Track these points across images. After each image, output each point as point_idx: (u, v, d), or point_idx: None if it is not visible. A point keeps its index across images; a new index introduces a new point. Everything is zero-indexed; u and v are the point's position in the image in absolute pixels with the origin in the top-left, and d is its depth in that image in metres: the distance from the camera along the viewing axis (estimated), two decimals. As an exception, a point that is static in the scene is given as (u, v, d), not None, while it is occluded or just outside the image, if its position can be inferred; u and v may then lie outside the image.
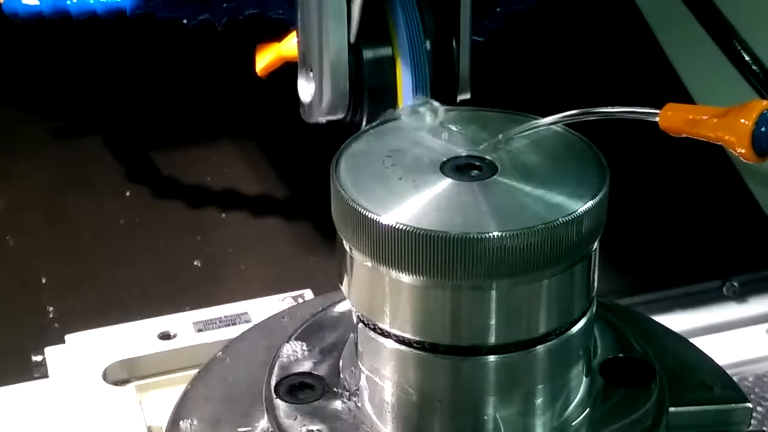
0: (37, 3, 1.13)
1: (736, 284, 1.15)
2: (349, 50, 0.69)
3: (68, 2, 1.13)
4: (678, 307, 1.15)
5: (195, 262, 1.17)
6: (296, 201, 1.26)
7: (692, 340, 0.74)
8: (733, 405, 0.67)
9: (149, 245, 1.20)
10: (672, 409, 0.65)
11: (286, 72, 0.99)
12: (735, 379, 0.70)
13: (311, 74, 0.71)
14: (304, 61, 0.71)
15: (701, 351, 0.72)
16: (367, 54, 0.70)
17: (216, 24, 1.14)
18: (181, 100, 1.37)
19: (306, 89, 0.72)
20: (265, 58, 1.01)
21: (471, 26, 0.72)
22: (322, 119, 0.72)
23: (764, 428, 1.03)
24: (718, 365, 0.70)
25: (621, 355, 0.66)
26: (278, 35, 1.00)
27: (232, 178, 1.29)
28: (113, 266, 1.17)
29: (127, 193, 1.27)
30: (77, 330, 0.90)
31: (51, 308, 1.11)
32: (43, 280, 1.16)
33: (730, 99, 0.58)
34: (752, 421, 1.01)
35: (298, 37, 0.72)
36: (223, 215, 1.24)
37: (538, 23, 1.31)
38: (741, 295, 1.15)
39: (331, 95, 0.71)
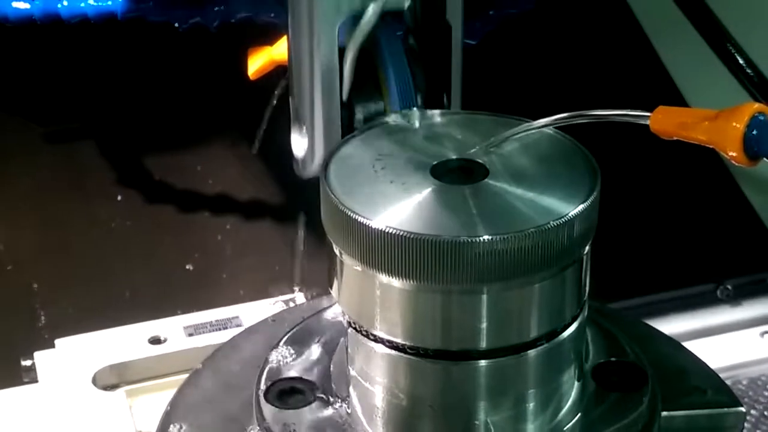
0: (28, 6, 1.13)
1: (730, 287, 1.15)
2: (342, 107, 0.70)
3: (59, 5, 1.13)
4: (672, 310, 1.15)
5: (186, 266, 1.17)
6: (287, 205, 1.26)
7: (686, 344, 0.73)
8: (726, 409, 0.66)
9: (141, 249, 1.20)
10: (664, 413, 0.65)
11: (278, 76, 0.99)
12: (728, 382, 0.70)
13: (304, 129, 0.71)
14: (297, 116, 0.72)
15: (694, 355, 0.72)
16: (359, 110, 0.70)
17: (208, 27, 1.14)
18: (172, 104, 1.36)
19: (299, 144, 0.72)
20: (257, 62, 1.01)
21: (461, 84, 0.73)
22: (315, 174, 0.72)
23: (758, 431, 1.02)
24: (711, 369, 0.70)
25: (613, 359, 0.66)
26: (270, 39, 1.00)
27: (224, 182, 1.28)
28: (104, 270, 1.17)
29: (119, 198, 1.27)
30: (67, 334, 0.89)
31: (41, 312, 1.11)
32: (34, 285, 1.15)
33: (723, 102, 0.58)
34: (746, 425, 1.01)
35: (290, 93, 0.72)
36: (215, 219, 1.24)
37: (530, 26, 1.31)
38: (735, 299, 1.15)
39: (324, 152, 0.71)
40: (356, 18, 0.68)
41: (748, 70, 1.02)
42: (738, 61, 1.02)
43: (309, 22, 0.68)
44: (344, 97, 0.69)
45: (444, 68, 0.72)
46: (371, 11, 0.67)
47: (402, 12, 0.70)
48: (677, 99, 1.32)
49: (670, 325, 1.11)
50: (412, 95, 0.70)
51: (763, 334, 1.11)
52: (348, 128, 0.70)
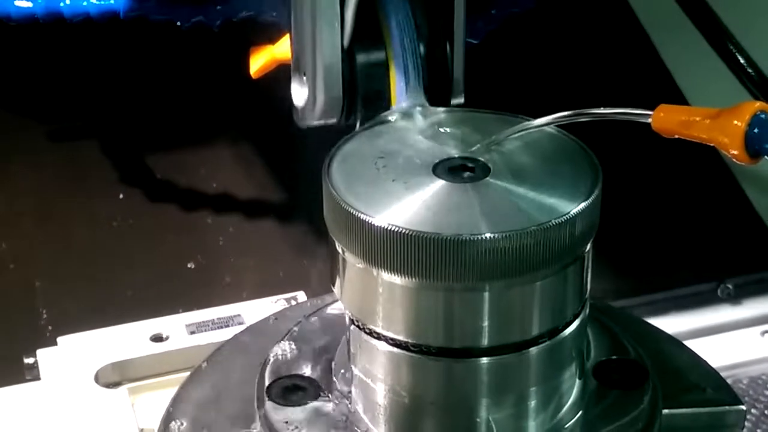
0: (30, 5, 1.13)
1: (730, 287, 1.15)
2: (343, 54, 0.69)
3: (61, 4, 1.13)
4: (673, 309, 1.15)
5: (188, 265, 1.17)
6: (289, 204, 1.26)
7: (687, 343, 0.73)
8: (727, 407, 0.66)
9: (142, 248, 1.20)
10: (665, 411, 0.65)
11: (281, 74, 0.99)
12: (729, 381, 0.70)
13: (304, 78, 0.71)
14: (298, 65, 0.71)
15: (695, 353, 0.72)
16: (361, 58, 0.70)
17: (210, 26, 1.14)
18: (174, 102, 1.36)
19: (299, 93, 0.72)
20: (259, 61, 1.01)
21: (465, 30, 0.72)
22: (316, 123, 0.72)
23: (758, 431, 1.02)
24: (711, 367, 0.70)
25: (614, 357, 0.66)
26: (272, 37, 1.00)
27: (226, 180, 1.28)
28: (106, 268, 1.17)
29: (121, 196, 1.27)
30: (69, 332, 0.89)
31: (44, 310, 1.11)
32: (36, 282, 1.15)
33: (724, 101, 0.58)
34: (746, 424, 1.01)
35: (291, 40, 0.72)
36: (217, 218, 1.24)
37: (532, 25, 1.31)
38: (736, 298, 1.15)
39: (324, 100, 0.71)
40: None
41: (749, 69, 1.02)
42: (739, 60, 1.02)
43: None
44: (345, 43, 0.69)
45: (447, 15, 0.71)
46: None
47: None
48: (678, 98, 1.32)
49: (670, 324, 1.11)
50: (415, 42, 0.69)
51: (763, 333, 1.11)
52: (349, 76, 0.70)
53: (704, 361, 0.71)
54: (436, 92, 0.71)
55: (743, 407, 0.67)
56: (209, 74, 1.36)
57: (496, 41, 1.14)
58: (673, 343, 0.73)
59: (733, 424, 0.67)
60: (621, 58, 1.41)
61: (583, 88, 1.35)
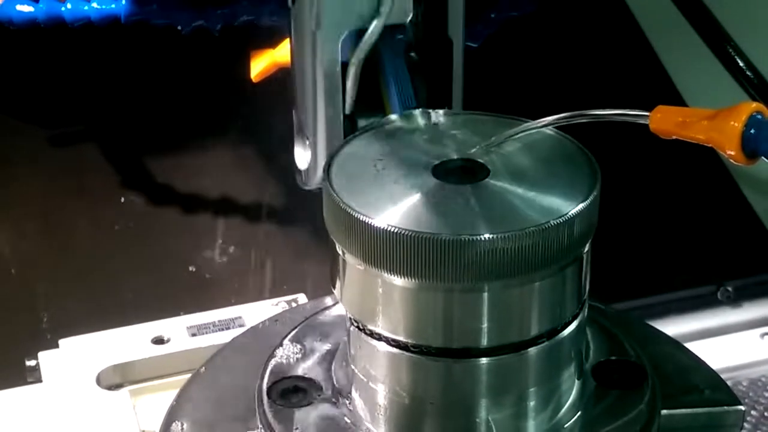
0: (32, 9, 1.14)
1: (730, 289, 1.16)
2: (345, 121, 0.70)
3: (63, 9, 1.13)
4: (673, 311, 1.15)
5: (190, 268, 1.17)
6: (290, 207, 1.26)
7: (687, 345, 0.74)
8: (725, 408, 0.67)
9: (144, 251, 1.21)
10: (664, 411, 0.65)
11: (280, 78, 0.99)
12: (729, 383, 0.70)
13: (307, 143, 0.72)
14: (300, 129, 0.72)
15: (694, 354, 0.72)
16: (362, 123, 0.71)
17: (210, 30, 1.14)
18: (175, 106, 1.37)
19: (302, 156, 0.73)
20: (260, 65, 1.02)
21: (462, 97, 0.73)
22: (319, 186, 0.73)
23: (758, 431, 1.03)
24: (711, 368, 0.70)
25: (613, 357, 0.66)
26: (272, 41, 1.01)
27: (227, 184, 1.29)
28: (108, 272, 1.17)
29: (122, 200, 1.27)
30: (71, 335, 0.90)
31: (45, 313, 1.11)
32: (38, 285, 1.16)
33: (722, 103, 0.58)
34: (746, 425, 1.02)
35: (294, 107, 0.73)
36: (218, 221, 1.25)
37: (531, 28, 1.32)
38: (735, 300, 1.15)
39: None
40: (359, 32, 0.68)
41: (748, 72, 1.02)
42: (737, 62, 1.03)
43: (312, 37, 0.69)
44: (347, 110, 0.70)
45: (445, 82, 0.72)
46: (374, 26, 0.68)
47: (404, 25, 0.70)
48: (677, 100, 1.32)
49: (671, 327, 1.11)
50: (414, 106, 0.70)
51: (763, 335, 1.11)
52: None
53: (703, 362, 0.71)
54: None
55: (742, 408, 0.67)
56: (210, 78, 1.37)
57: (496, 44, 1.14)
58: (672, 344, 0.73)
59: (732, 424, 0.67)
60: (620, 61, 1.41)
61: (583, 91, 1.35)
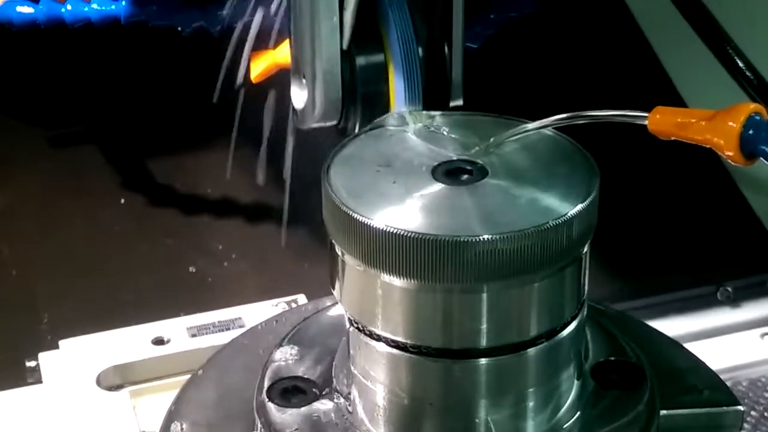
0: (32, 11, 1.14)
1: (730, 289, 1.16)
2: (342, 57, 0.70)
3: (63, 10, 1.13)
4: (672, 312, 1.15)
5: (190, 269, 1.18)
6: (290, 207, 1.26)
7: (687, 345, 0.74)
8: (725, 408, 0.67)
9: (144, 252, 1.21)
10: (663, 412, 0.65)
11: (281, 79, 0.99)
12: (729, 383, 0.70)
13: (304, 81, 0.71)
14: (297, 67, 0.72)
15: (693, 355, 0.72)
16: (360, 61, 0.70)
17: (211, 31, 1.14)
18: (175, 107, 1.37)
19: (299, 96, 0.72)
20: (260, 65, 1.02)
21: (463, 32, 0.72)
22: (315, 125, 0.72)
23: (758, 432, 1.03)
24: (710, 369, 0.70)
25: (612, 358, 0.66)
26: (273, 42, 1.01)
27: (227, 185, 1.29)
28: (108, 273, 1.18)
29: (122, 201, 1.27)
30: (71, 336, 0.90)
31: (45, 314, 1.11)
32: (38, 286, 1.16)
33: (722, 104, 0.58)
34: (746, 426, 1.02)
35: (290, 44, 0.72)
36: (218, 222, 1.25)
37: (530, 29, 1.32)
38: (735, 301, 1.15)
39: (323, 102, 0.71)
40: None
41: (747, 73, 1.02)
42: (737, 63, 1.03)
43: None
44: (344, 45, 0.69)
45: (445, 17, 0.71)
46: None
47: None
48: (677, 102, 1.32)
49: (670, 327, 1.11)
50: (413, 45, 0.69)
51: (763, 335, 1.11)
52: (348, 79, 0.70)
53: (702, 362, 0.71)
54: (434, 94, 0.72)
55: (741, 408, 0.67)
56: (210, 79, 1.37)
57: (496, 45, 1.14)
58: (672, 344, 0.73)
59: (731, 424, 0.67)
60: (620, 62, 1.41)
61: (583, 92, 1.35)
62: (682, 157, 1.16)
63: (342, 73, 0.70)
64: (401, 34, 0.69)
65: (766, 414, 1.05)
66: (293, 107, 0.73)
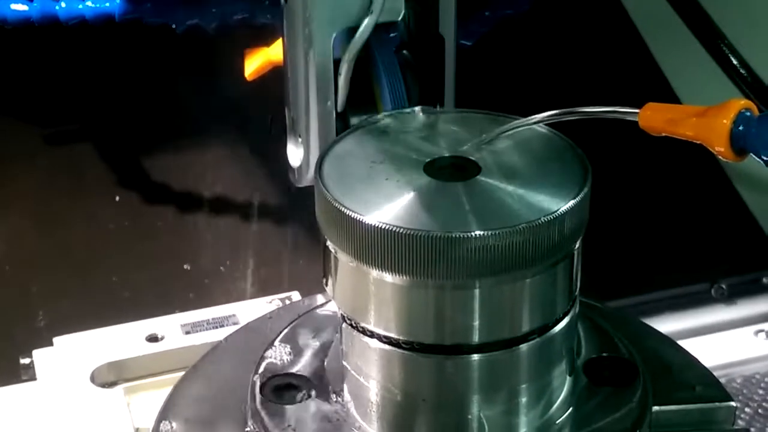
0: (26, 8, 1.14)
1: (724, 287, 1.16)
2: (337, 119, 0.70)
3: (57, 7, 1.13)
4: (667, 309, 1.15)
5: (184, 266, 1.18)
6: (284, 205, 1.27)
7: (681, 342, 0.74)
8: (717, 404, 0.67)
9: (139, 249, 1.21)
10: (656, 408, 0.65)
11: (275, 76, 0.99)
12: (723, 380, 0.70)
13: (300, 140, 0.72)
14: (293, 127, 0.72)
15: (686, 351, 0.72)
16: (354, 121, 0.71)
17: (205, 28, 1.14)
18: (170, 105, 1.37)
19: (295, 154, 0.73)
20: (254, 63, 1.02)
21: (454, 94, 0.73)
22: (311, 184, 0.73)
23: (752, 429, 1.03)
24: (702, 365, 0.71)
25: (605, 354, 0.66)
26: (267, 40, 1.01)
27: (221, 182, 1.29)
28: (103, 270, 1.18)
29: (117, 198, 1.27)
30: (65, 333, 0.90)
31: (40, 311, 1.11)
32: (32, 283, 1.16)
33: (716, 101, 0.58)
34: (740, 422, 1.02)
35: (286, 105, 0.73)
36: (212, 219, 1.25)
37: (525, 26, 1.32)
38: (729, 298, 1.16)
39: None
40: (351, 30, 0.69)
41: (741, 70, 1.02)
42: (731, 60, 1.03)
43: (304, 35, 0.69)
44: (339, 108, 0.70)
45: (437, 80, 0.73)
46: (366, 24, 0.68)
47: (396, 23, 0.71)
48: (672, 99, 1.32)
49: (665, 324, 1.11)
50: (406, 105, 0.70)
51: (757, 332, 1.12)
52: None
53: (695, 358, 0.71)
54: (427, 91, 0.72)
55: (733, 404, 0.67)
56: (204, 76, 1.37)
57: (491, 43, 1.14)
58: (665, 341, 0.74)
59: (724, 420, 0.67)
60: (615, 59, 1.41)
61: (577, 90, 1.35)
62: (676, 155, 1.17)
63: (337, 133, 0.70)
64: (394, 94, 0.70)
65: (760, 410, 1.05)
66: (289, 164, 0.74)
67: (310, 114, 0.70)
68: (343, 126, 0.70)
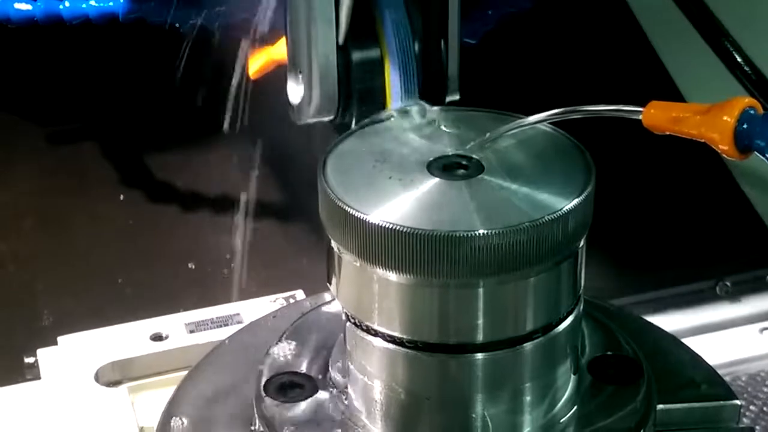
0: (30, 8, 1.14)
1: (729, 284, 1.16)
2: (338, 52, 0.70)
3: (61, 6, 1.13)
4: (672, 307, 1.15)
5: (189, 265, 1.18)
6: (288, 203, 1.26)
7: (686, 340, 0.74)
8: (722, 402, 0.67)
9: (143, 248, 1.21)
10: (660, 406, 0.65)
11: (279, 75, 0.99)
12: (728, 378, 0.70)
13: (300, 76, 0.71)
14: (293, 63, 0.72)
15: (690, 349, 0.72)
16: (356, 55, 0.70)
17: (209, 28, 1.14)
18: (173, 104, 1.37)
19: (295, 91, 0.72)
20: (258, 62, 1.02)
21: (459, 27, 0.72)
22: (312, 120, 0.72)
23: (757, 427, 1.03)
24: (707, 363, 0.71)
25: (609, 352, 0.66)
26: (271, 39, 1.00)
27: (225, 181, 1.29)
28: (107, 269, 1.18)
29: (121, 197, 1.27)
30: (70, 332, 0.90)
31: (45, 310, 1.11)
32: (37, 283, 1.16)
33: (720, 98, 0.58)
34: (745, 420, 1.02)
35: (286, 38, 0.72)
36: (216, 218, 1.25)
37: (529, 24, 1.32)
38: (734, 295, 1.16)
39: (320, 97, 0.71)
40: None
41: (746, 68, 1.02)
42: (735, 58, 1.03)
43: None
44: (340, 40, 0.69)
45: (441, 12, 0.71)
46: None
47: None
48: (676, 96, 1.32)
49: (669, 322, 1.11)
50: (409, 39, 0.70)
51: (762, 330, 1.12)
52: (344, 73, 0.71)
53: (700, 356, 0.71)
54: (431, 89, 0.72)
55: (738, 402, 0.67)
56: (208, 75, 1.37)
57: (494, 41, 1.14)
58: (669, 339, 0.74)
59: (729, 418, 0.67)
60: (619, 57, 1.41)
61: (581, 88, 1.35)
62: (681, 152, 1.16)
63: (338, 68, 0.70)
64: (397, 28, 0.69)
65: (765, 408, 1.05)
66: (290, 101, 0.73)
67: (311, 47, 0.70)
68: (344, 60, 0.70)
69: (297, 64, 0.71)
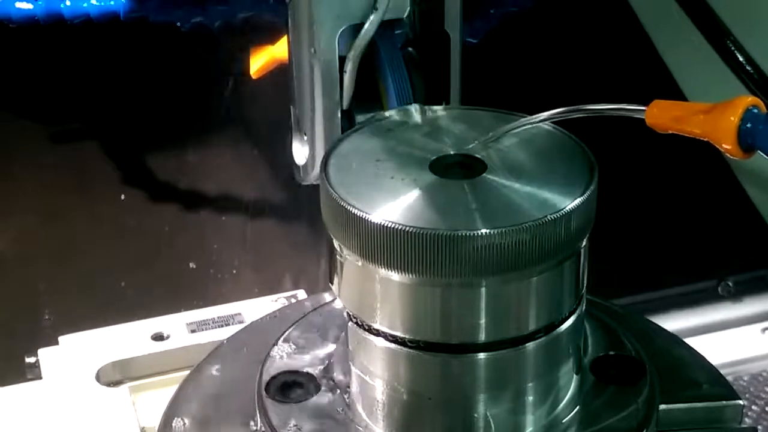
0: (31, 7, 1.14)
1: (731, 284, 1.16)
2: (342, 117, 0.70)
3: (62, 6, 1.13)
4: (674, 307, 1.15)
5: (190, 264, 1.18)
6: (290, 204, 1.26)
7: (688, 340, 0.74)
8: (724, 402, 0.67)
9: (144, 248, 1.21)
10: (663, 406, 0.65)
11: (280, 74, 0.99)
12: (730, 378, 0.70)
13: (305, 138, 0.72)
14: (298, 125, 0.72)
15: (693, 349, 0.72)
16: (359, 119, 0.71)
17: (210, 27, 1.14)
18: (175, 103, 1.37)
19: (300, 152, 0.73)
20: (259, 61, 1.02)
21: (460, 91, 0.73)
22: (316, 182, 0.73)
23: (758, 427, 1.03)
24: (710, 363, 0.70)
25: (612, 352, 0.66)
26: (272, 37, 1.01)
27: (227, 181, 1.29)
28: (108, 268, 1.18)
29: (123, 197, 1.27)
30: (71, 332, 0.90)
31: (46, 310, 1.11)
32: (38, 283, 1.16)
33: (722, 98, 0.58)
34: (747, 420, 1.02)
35: (292, 104, 0.73)
36: (217, 218, 1.25)
37: (531, 23, 1.32)
38: (736, 295, 1.16)
39: None
40: (356, 27, 0.68)
41: (748, 67, 1.02)
42: (738, 58, 1.03)
43: (309, 32, 0.69)
44: (345, 105, 0.70)
45: (443, 77, 0.73)
46: (371, 21, 0.68)
47: (401, 20, 0.71)
48: (677, 95, 1.32)
49: (672, 322, 1.11)
50: (411, 102, 0.70)
51: (764, 330, 1.12)
52: None
53: (702, 356, 0.71)
54: (433, 89, 0.72)
55: (741, 402, 0.67)
56: (210, 74, 1.37)
57: (496, 40, 1.14)
58: (672, 339, 0.73)
59: (731, 418, 0.67)
60: (621, 56, 1.41)
61: (583, 87, 1.35)
62: (683, 152, 1.16)
63: (342, 131, 0.70)
64: (399, 92, 0.70)
65: (767, 408, 1.05)
66: (294, 162, 0.74)
67: (316, 111, 0.71)
68: (348, 124, 0.70)
69: (302, 127, 0.72)
